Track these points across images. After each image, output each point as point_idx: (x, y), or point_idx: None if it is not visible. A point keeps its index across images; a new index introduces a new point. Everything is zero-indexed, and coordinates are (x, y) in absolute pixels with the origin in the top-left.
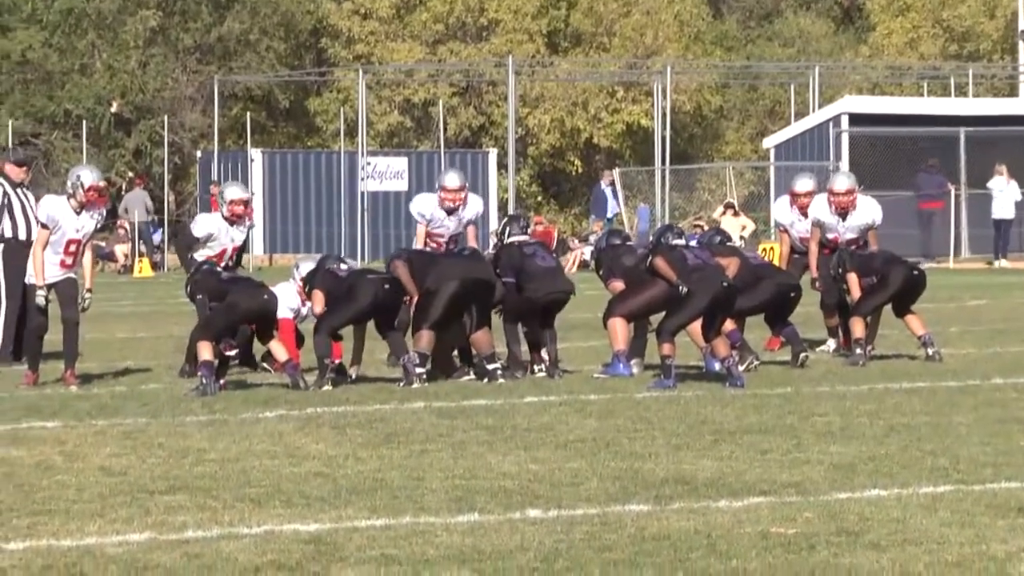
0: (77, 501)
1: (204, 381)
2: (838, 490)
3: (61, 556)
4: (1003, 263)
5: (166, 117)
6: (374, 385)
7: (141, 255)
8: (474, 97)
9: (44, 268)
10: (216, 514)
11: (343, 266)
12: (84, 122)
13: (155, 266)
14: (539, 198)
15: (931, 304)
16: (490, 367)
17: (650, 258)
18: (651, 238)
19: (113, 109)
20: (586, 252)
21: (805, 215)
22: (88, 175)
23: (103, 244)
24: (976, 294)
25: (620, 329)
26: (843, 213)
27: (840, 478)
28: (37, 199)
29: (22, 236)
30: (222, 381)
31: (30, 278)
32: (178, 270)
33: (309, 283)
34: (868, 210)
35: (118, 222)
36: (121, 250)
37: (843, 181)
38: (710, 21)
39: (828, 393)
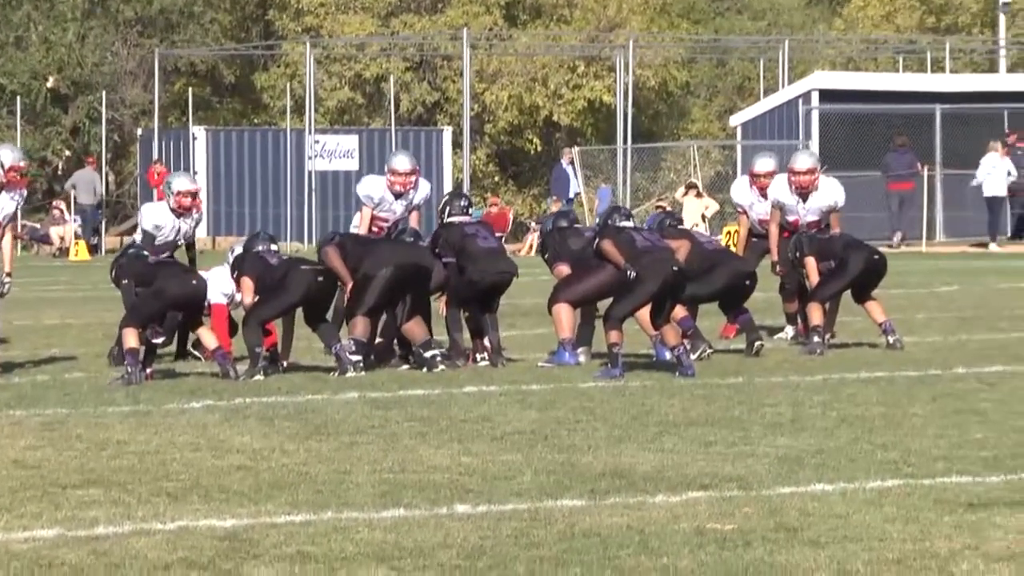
0: None
1: (130, 370)
2: (782, 484)
3: None
4: (994, 247)
5: (105, 93)
6: (308, 374)
7: (77, 237)
8: (428, 72)
9: None
10: (130, 509)
11: (273, 247)
12: (19, 98)
13: (92, 249)
14: (496, 178)
15: (900, 290)
16: (428, 354)
17: (597, 241)
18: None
19: (49, 84)
20: None
21: (765, 196)
22: (8, 155)
23: (38, 226)
24: (948, 280)
25: (565, 316)
26: (804, 194)
27: (785, 472)
28: None
29: None
30: (149, 370)
31: None
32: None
33: (237, 268)
34: (830, 191)
35: (54, 203)
36: (56, 232)
37: (804, 160)
38: None
39: (781, 383)
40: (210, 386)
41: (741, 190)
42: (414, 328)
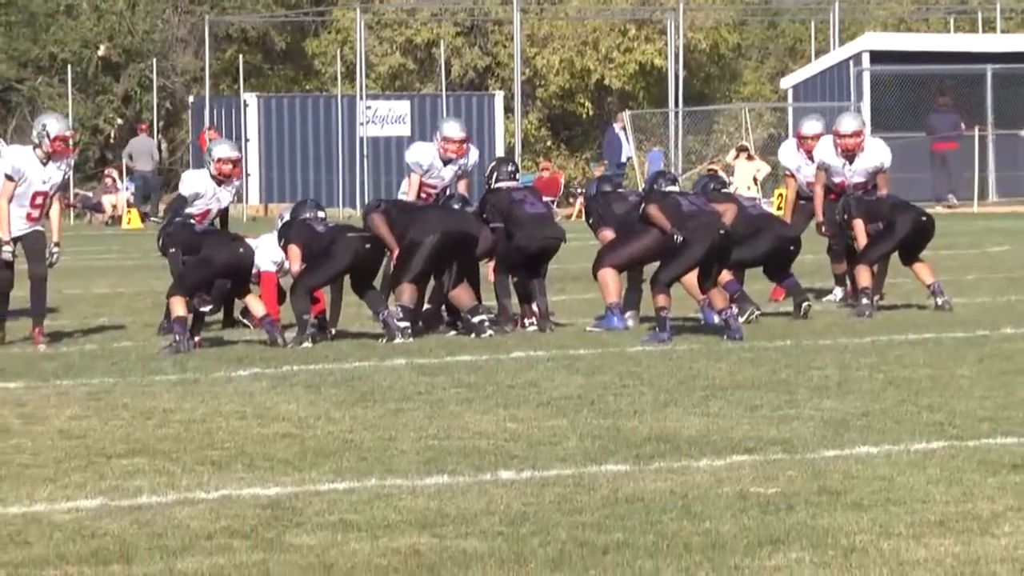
0: (30, 466)
1: (177, 338)
2: (826, 447)
3: (6, 524)
4: None
5: (156, 61)
6: (356, 341)
7: (130, 205)
8: (479, 37)
9: (9, 221)
10: (174, 478)
11: (320, 215)
12: (70, 66)
13: (145, 217)
14: (548, 143)
15: (950, 251)
16: (476, 319)
17: (643, 206)
18: (643, 185)
19: (100, 53)
20: None
21: (812, 159)
22: (54, 124)
23: (90, 194)
24: (999, 240)
25: (611, 280)
26: (849, 156)
27: (830, 435)
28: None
29: None
30: (197, 338)
31: None
32: None
33: (284, 236)
34: (876, 153)
35: (106, 171)
36: (109, 201)
37: (849, 122)
38: None
39: (829, 346)
40: (258, 354)
41: (788, 153)
42: (461, 294)
